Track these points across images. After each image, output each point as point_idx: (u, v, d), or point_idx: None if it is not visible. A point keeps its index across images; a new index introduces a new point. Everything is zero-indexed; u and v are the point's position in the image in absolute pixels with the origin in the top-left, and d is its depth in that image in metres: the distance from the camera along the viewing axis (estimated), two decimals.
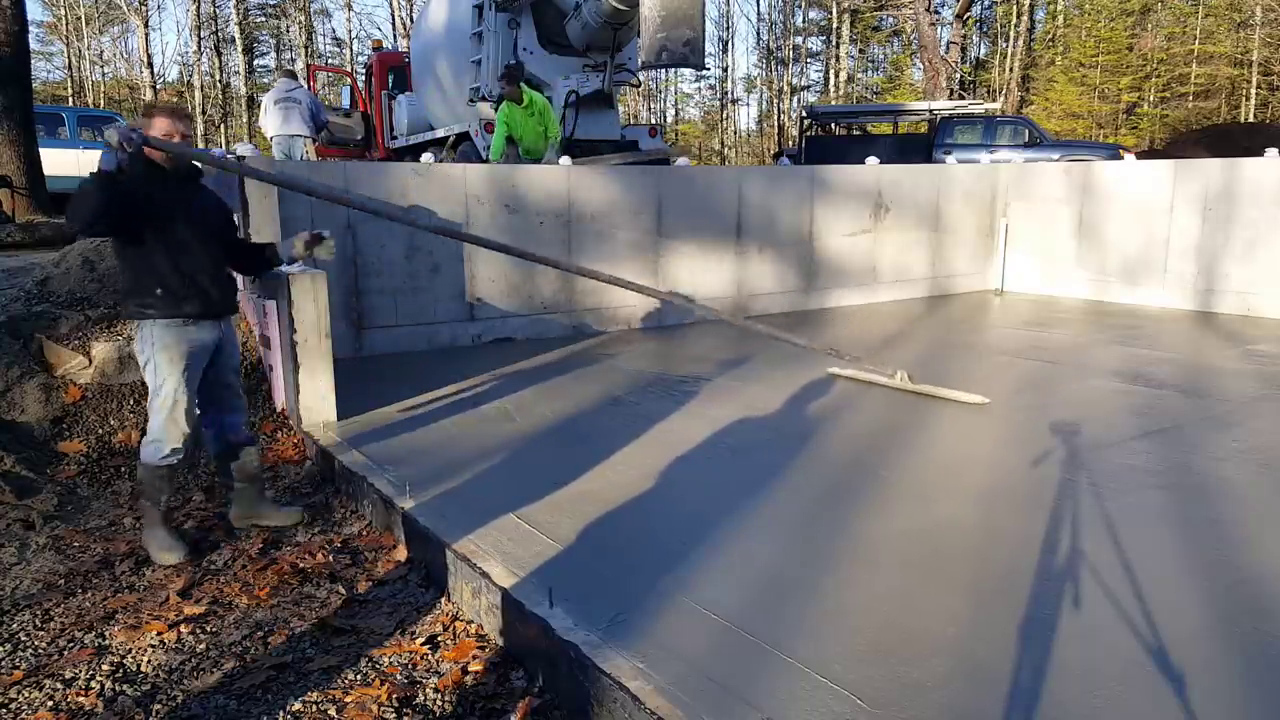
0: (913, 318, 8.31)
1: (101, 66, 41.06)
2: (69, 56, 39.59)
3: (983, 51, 42.27)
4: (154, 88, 33.13)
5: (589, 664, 2.39)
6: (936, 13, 31.58)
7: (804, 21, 44.37)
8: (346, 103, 18.43)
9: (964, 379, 5.83)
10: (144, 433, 3.71)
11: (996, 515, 3.48)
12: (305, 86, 10.99)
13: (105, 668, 2.81)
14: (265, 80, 44.23)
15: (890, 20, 39.53)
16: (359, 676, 2.73)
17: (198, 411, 3.66)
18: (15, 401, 4.76)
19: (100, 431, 4.80)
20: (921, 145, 18.20)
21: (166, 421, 3.54)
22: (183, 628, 3.03)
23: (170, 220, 3.49)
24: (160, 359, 3.50)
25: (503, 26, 10.99)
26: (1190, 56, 32.00)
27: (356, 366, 6.09)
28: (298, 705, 2.59)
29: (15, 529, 3.90)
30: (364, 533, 3.81)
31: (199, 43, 38.15)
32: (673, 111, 48.60)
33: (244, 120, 40.70)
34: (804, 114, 22.74)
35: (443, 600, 3.17)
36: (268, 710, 2.57)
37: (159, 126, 3.46)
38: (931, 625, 2.61)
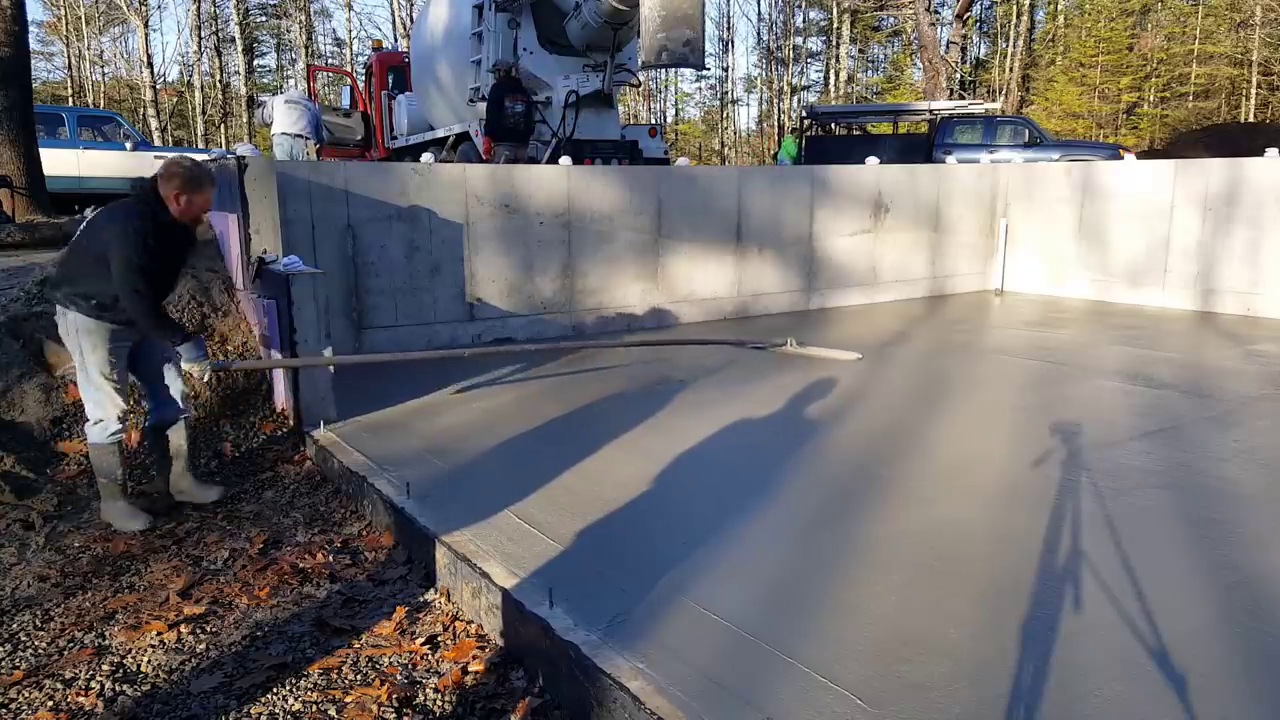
0: (913, 318, 8.31)
1: (101, 66, 41.03)
2: (69, 56, 39.55)
3: (983, 51, 42.27)
4: (154, 88, 33.04)
5: (589, 664, 2.39)
6: (936, 13, 31.60)
7: (804, 21, 44.38)
8: (346, 103, 18.42)
9: (965, 379, 5.83)
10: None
11: (998, 516, 3.48)
12: (316, 103, 12.04)
13: (105, 668, 2.81)
14: (265, 80, 44.25)
15: (890, 20, 39.52)
16: (359, 676, 2.73)
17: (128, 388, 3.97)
18: (15, 401, 4.75)
19: None
20: (921, 145, 18.19)
21: (106, 401, 3.85)
22: (183, 628, 3.03)
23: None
24: (88, 347, 3.78)
25: (503, 26, 10.99)
26: (1190, 56, 31.98)
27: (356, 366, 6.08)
28: (298, 705, 2.59)
29: (15, 529, 3.90)
30: (364, 533, 3.81)
31: (199, 43, 38.12)
32: (673, 111, 48.58)
33: (244, 120, 40.66)
34: (804, 114, 22.73)
35: (443, 600, 3.16)
36: (268, 710, 2.57)
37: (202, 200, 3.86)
38: (932, 626, 2.61)
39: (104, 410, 3.85)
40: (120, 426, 3.89)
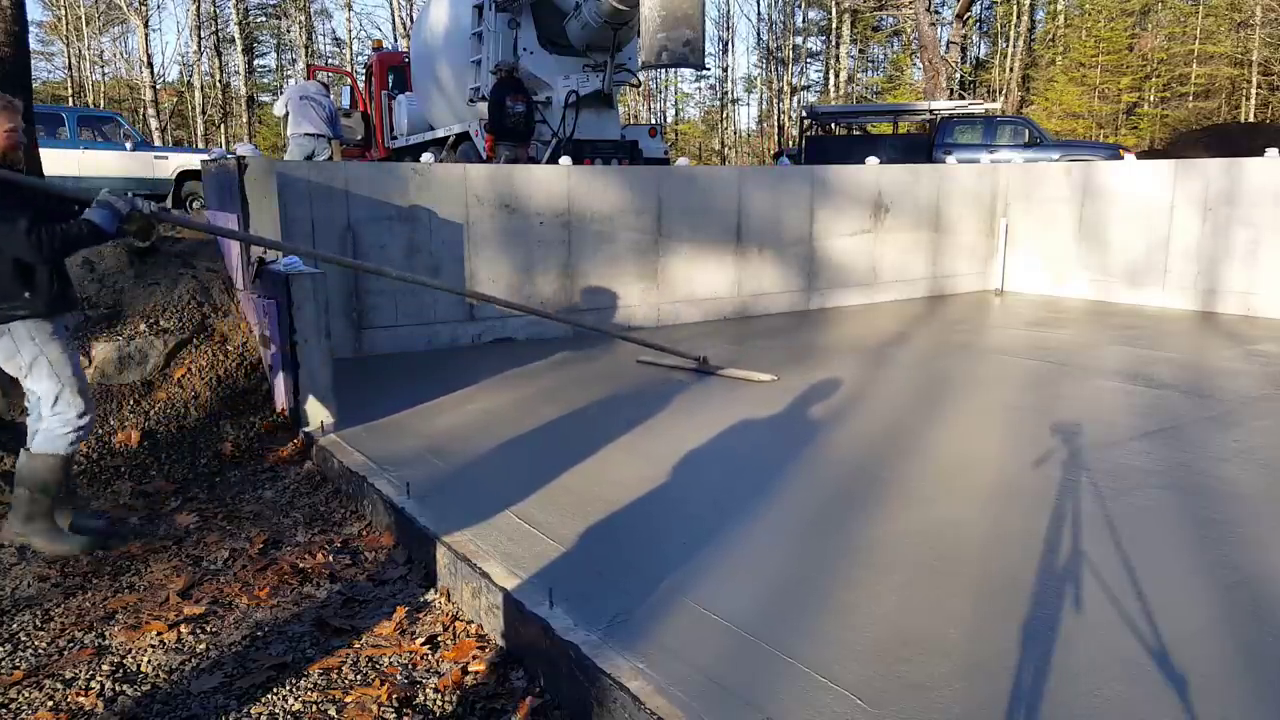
0: (913, 318, 8.31)
1: (101, 66, 41.03)
2: (69, 56, 39.56)
3: (983, 51, 42.28)
4: (154, 88, 33.03)
5: (589, 664, 2.39)
6: (936, 13, 31.60)
7: (804, 21, 44.39)
8: (346, 103, 18.42)
9: (965, 379, 5.83)
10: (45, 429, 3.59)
11: (998, 516, 3.48)
12: (331, 97, 11.06)
13: (105, 668, 2.81)
14: (265, 80, 44.24)
15: (890, 20, 39.52)
16: (359, 676, 2.73)
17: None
18: (15, 402, 4.75)
19: (100, 431, 4.80)
20: (922, 145, 18.18)
21: (83, 403, 3.58)
22: (183, 628, 3.03)
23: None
24: (52, 352, 3.50)
25: (503, 26, 11.00)
26: (1190, 56, 32.00)
27: (356, 366, 6.09)
28: (298, 705, 2.58)
29: None
30: (364, 533, 3.81)
31: (199, 43, 38.12)
32: (673, 111, 48.59)
33: (244, 120, 40.69)
34: (804, 114, 22.73)
35: (443, 600, 3.16)
36: (268, 710, 2.57)
37: None
38: (932, 626, 2.61)
39: (75, 408, 3.56)
40: (86, 429, 3.62)
